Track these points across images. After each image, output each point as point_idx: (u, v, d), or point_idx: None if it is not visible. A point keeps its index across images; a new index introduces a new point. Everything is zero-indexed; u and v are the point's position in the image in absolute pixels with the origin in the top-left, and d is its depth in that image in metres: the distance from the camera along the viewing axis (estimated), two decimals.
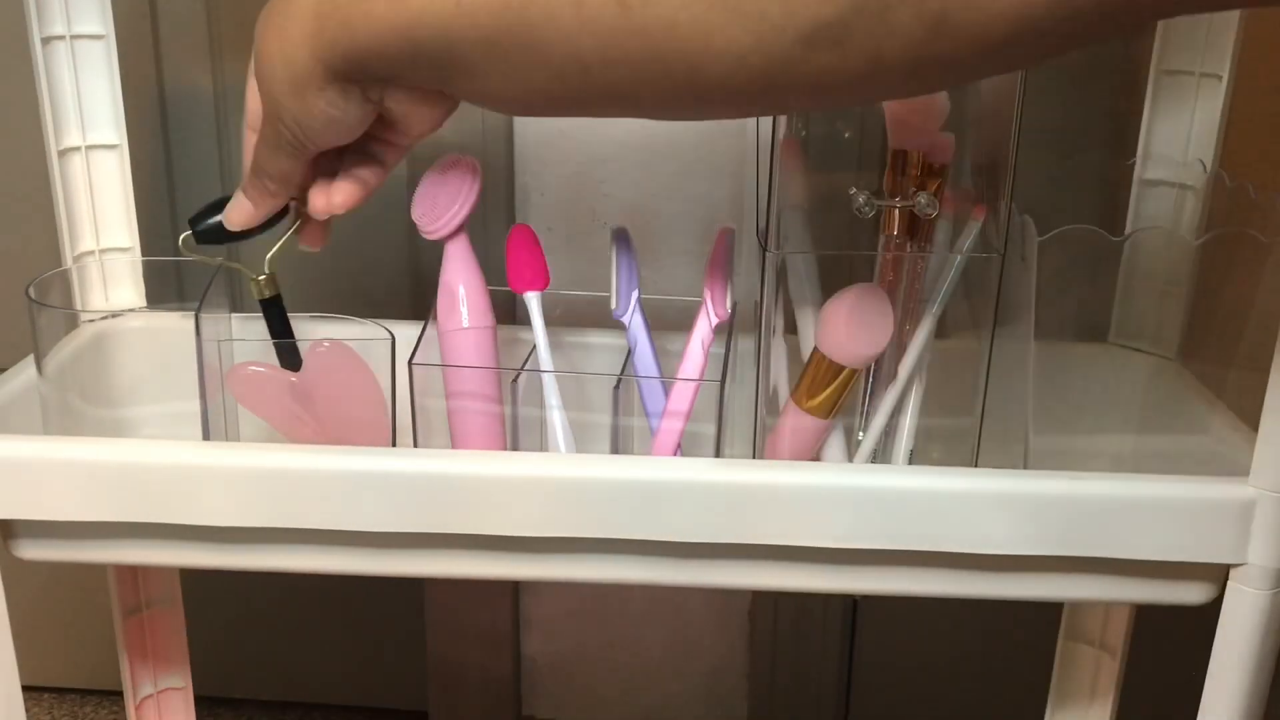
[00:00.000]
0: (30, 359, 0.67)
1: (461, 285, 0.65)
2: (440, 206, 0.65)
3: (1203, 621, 0.62)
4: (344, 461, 0.59)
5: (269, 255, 0.65)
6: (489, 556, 0.61)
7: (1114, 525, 0.57)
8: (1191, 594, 0.60)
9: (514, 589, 1.15)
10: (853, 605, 1.14)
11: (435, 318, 0.66)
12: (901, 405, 0.65)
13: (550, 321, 0.67)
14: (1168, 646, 0.98)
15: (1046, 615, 0.87)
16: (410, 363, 0.63)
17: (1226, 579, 0.58)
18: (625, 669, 1.19)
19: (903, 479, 0.58)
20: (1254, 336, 0.61)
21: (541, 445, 0.66)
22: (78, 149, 0.75)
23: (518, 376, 0.64)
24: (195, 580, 0.94)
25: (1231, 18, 0.68)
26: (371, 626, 1.22)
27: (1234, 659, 0.58)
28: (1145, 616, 0.81)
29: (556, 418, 0.65)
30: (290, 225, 0.65)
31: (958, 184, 0.63)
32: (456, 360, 0.65)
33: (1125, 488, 0.58)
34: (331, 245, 0.64)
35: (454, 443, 0.67)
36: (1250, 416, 0.60)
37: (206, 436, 0.65)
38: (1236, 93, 0.70)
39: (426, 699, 1.20)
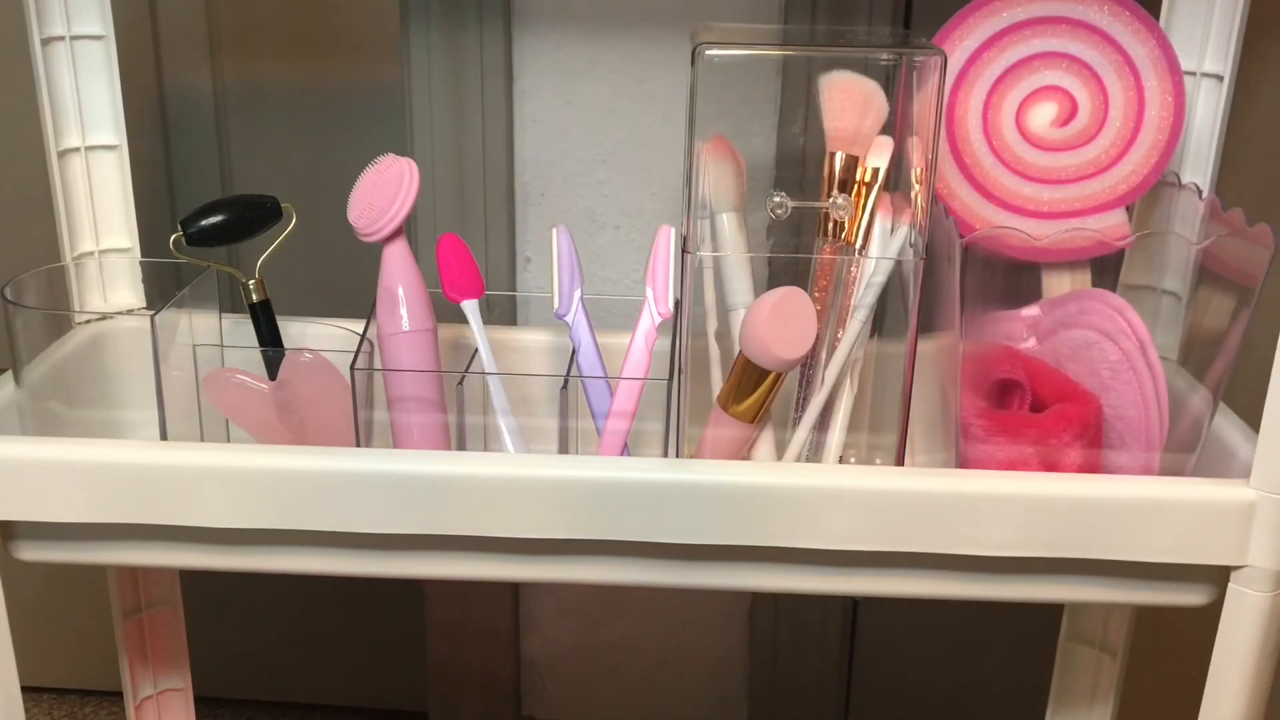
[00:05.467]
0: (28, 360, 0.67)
1: (401, 287, 0.65)
2: (378, 209, 0.64)
3: (1203, 623, 0.62)
4: (344, 462, 0.59)
5: (260, 260, 0.65)
6: (489, 558, 0.61)
7: (1114, 527, 0.57)
8: (1192, 596, 0.60)
9: (514, 589, 1.14)
10: (853, 606, 1.14)
11: (376, 321, 0.65)
12: (830, 410, 0.64)
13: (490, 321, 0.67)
14: (1168, 648, 0.98)
15: (1047, 616, 0.87)
16: (353, 367, 0.63)
17: (1227, 581, 0.58)
18: (625, 669, 1.19)
19: (902, 481, 0.58)
20: (1254, 337, 0.61)
21: (485, 449, 0.66)
22: (77, 150, 0.75)
23: (462, 379, 0.63)
24: (195, 581, 0.94)
25: (1233, 17, 0.68)
26: (371, 626, 1.22)
27: (1234, 661, 0.58)
28: (1146, 618, 0.81)
29: (504, 422, 0.65)
30: (284, 229, 0.65)
31: (896, 188, 0.63)
32: (397, 364, 0.65)
33: (1125, 489, 0.58)
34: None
35: (396, 447, 0.66)
36: (1251, 417, 0.60)
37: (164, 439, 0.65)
38: (1238, 93, 0.70)
39: (426, 699, 1.20)
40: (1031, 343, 0.66)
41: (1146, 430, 0.61)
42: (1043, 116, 0.67)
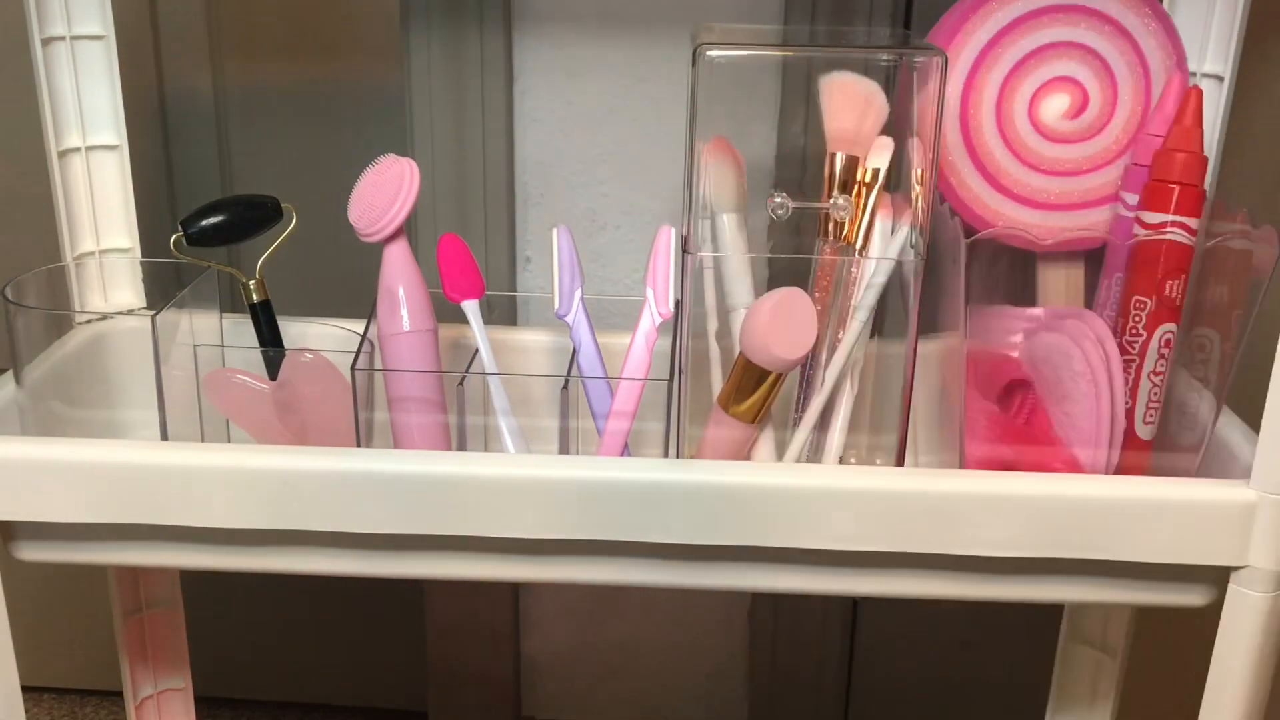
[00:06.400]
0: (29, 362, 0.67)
1: (401, 288, 0.64)
2: (378, 209, 0.64)
3: (1203, 623, 0.62)
4: (344, 462, 0.59)
5: (260, 260, 0.65)
6: (489, 558, 0.61)
7: (1115, 527, 0.57)
8: (1192, 596, 0.60)
9: (514, 589, 1.14)
10: (853, 606, 1.14)
11: (376, 321, 0.65)
12: (830, 410, 0.64)
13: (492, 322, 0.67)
14: (1168, 648, 0.98)
15: (1047, 617, 0.87)
16: (353, 368, 0.63)
17: (1227, 581, 0.58)
18: (625, 670, 1.19)
19: (902, 481, 0.58)
20: (1256, 338, 0.61)
21: (485, 449, 0.66)
22: (78, 150, 0.75)
23: (463, 379, 0.63)
24: (195, 581, 0.94)
25: (1233, 17, 0.68)
26: (371, 626, 1.22)
27: (1235, 661, 0.58)
28: (1146, 618, 0.81)
29: (505, 422, 0.65)
30: (284, 229, 0.65)
31: (897, 188, 0.63)
32: (397, 364, 0.65)
33: (1126, 489, 0.58)
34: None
35: (396, 447, 0.66)
36: (1251, 418, 0.60)
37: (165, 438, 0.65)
38: (1238, 93, 0.70)
39: (426, 699, 1.20)
40: (1019, 338, 0.67)
41: (1095, 445, 0.62)
42: (1055, 107, 0.67)
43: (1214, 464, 0.63)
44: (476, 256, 0.67)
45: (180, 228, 0.67)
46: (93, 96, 0.75)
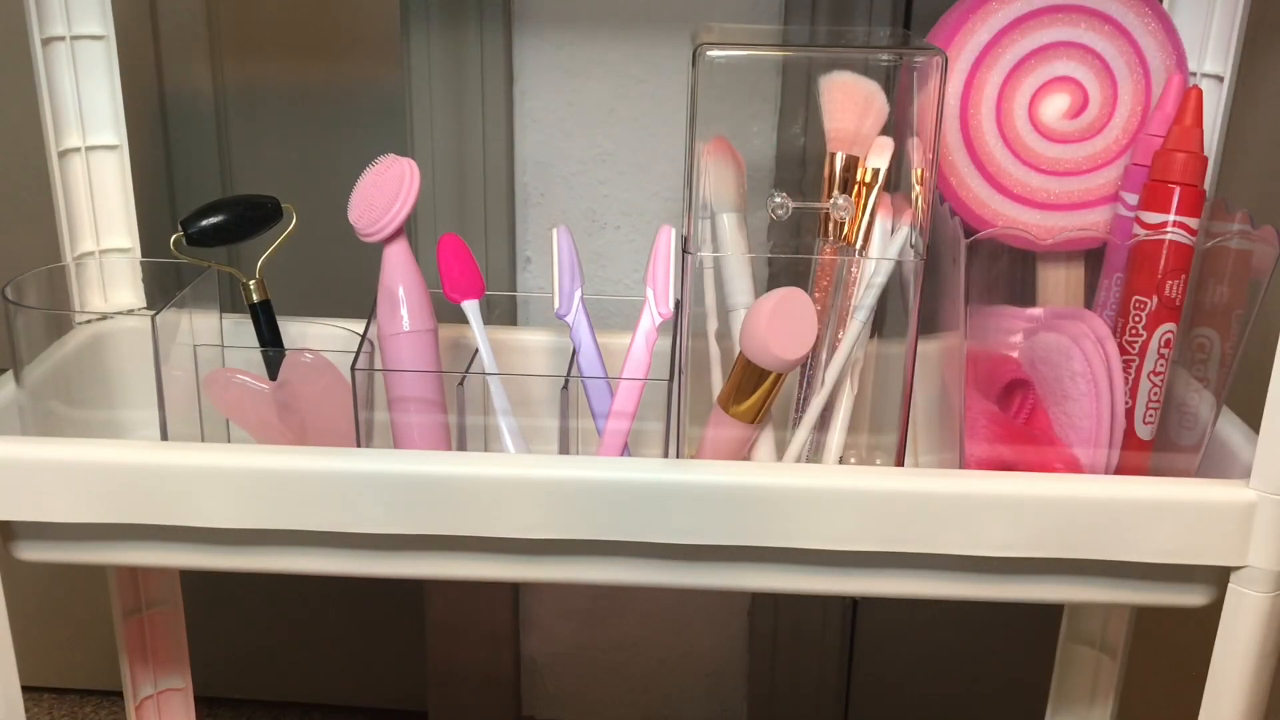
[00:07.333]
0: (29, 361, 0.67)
1: (401, 288, 0.64)
2: (378, 209, 0.64)
3: (1203, 623, 0.62)
4: (343, 462, 0.59)
5: (260, 260, 0.65)
6: (489, 558, 0.61)
7: (1114, 527, 0.57)
8: (1192, 596, 0.60)
9: (514, 589, 1.15)
10: (853, 606, 1.14)
11: (376, 321, 0.65)
12: (830, 410, 0.65)
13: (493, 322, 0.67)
14: (1168, 648, 0.98)
15: (1047, 617, 0.87)
16: (353, 368, 0.63)
17: (1227, 581, 0.58)
18: (625, 669, 1.19)
19: (902, 482, 0.58)
20: (1255, 338, 0.61)
21: (485, 449, 0.66)
22: (78, 150, 0.75)
23: (463, 379, 0.63)
24: (195, 580, 0.94)
25: (1233, 17, 0.68)
26: (371, 626, 1.22)
27: (1234, 661, 0.58)
28: (1146, 618, 0.81)
29: (505, 422, 0.65)
30: (284, 229, 0.65)
31: (897, 188, 0.63)
32: (397, 364, 0.65)
33: (1125, 490, 0.58)
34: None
35: (396, 448, 0.66)
36: (1252, 418, 0.60)
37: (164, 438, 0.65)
38: (1238, 93, 0.70)
39: (426, 699, 1.20)
40: (1019, 338, 0.67)
41: (1094, 445, 0.62)
42: (1055, 107, 0.67)
43: (1214, 464, 0.63)
44: (476, 256, 0.67)
45: (180, 228, 0.67)
46: (93, 96, 0.75)
